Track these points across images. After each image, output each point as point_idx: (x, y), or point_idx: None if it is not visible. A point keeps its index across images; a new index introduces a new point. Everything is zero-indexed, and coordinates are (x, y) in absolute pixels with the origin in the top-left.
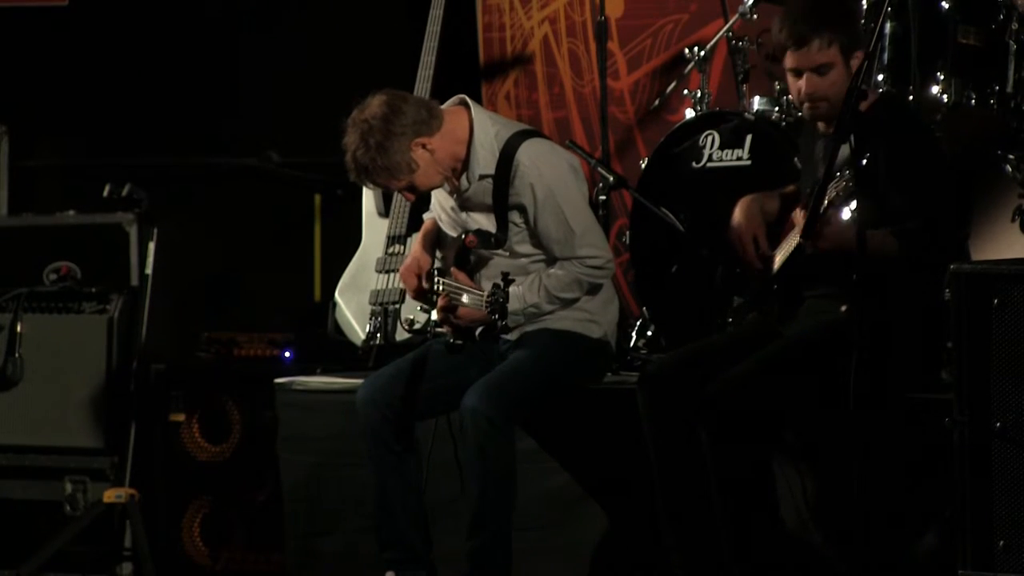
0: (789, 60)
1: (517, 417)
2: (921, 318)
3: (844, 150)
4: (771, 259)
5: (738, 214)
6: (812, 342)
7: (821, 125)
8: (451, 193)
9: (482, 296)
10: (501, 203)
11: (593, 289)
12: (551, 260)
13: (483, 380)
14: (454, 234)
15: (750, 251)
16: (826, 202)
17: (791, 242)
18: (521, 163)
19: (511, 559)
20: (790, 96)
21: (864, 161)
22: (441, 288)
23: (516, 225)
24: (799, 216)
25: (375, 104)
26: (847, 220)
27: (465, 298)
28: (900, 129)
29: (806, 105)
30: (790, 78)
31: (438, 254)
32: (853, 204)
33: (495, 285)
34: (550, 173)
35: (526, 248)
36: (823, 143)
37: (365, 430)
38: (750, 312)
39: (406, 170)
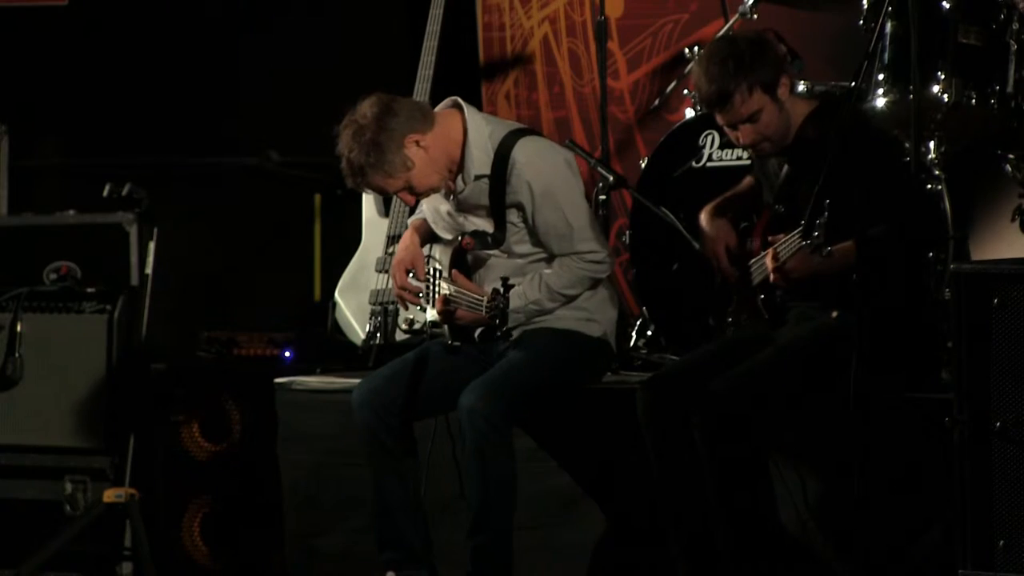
0: (719, 118)
1: (515, 417)
2: (921, 318)
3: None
4: (747, 267)
5: (706, 225)
6: (807, 346)
7: None
8: (447, 196)
9: (482, 301)
10: (498, 202)
11: (593, 285)
12: (550, 258)
13: (480, 379)
14: (451, 238)
15: (724, 260)
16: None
17: (766, 262)
18: (517, 161)
19: (512, 558)
20: None
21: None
22: (439, 291)
23: (514, 224)
24: (768, 249)
25: (366, 105)
26: (806, 252)
27: (469, 302)
28: (849, 136)
29: (750, 151)
30: (727, 130)
31: (436, 255)
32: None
33: (495, 291)
34: (546, 170)
35: (524, 248)
36: (775, 159)
37: (362, 431)
38: (743, 316)
39: (401, 168)
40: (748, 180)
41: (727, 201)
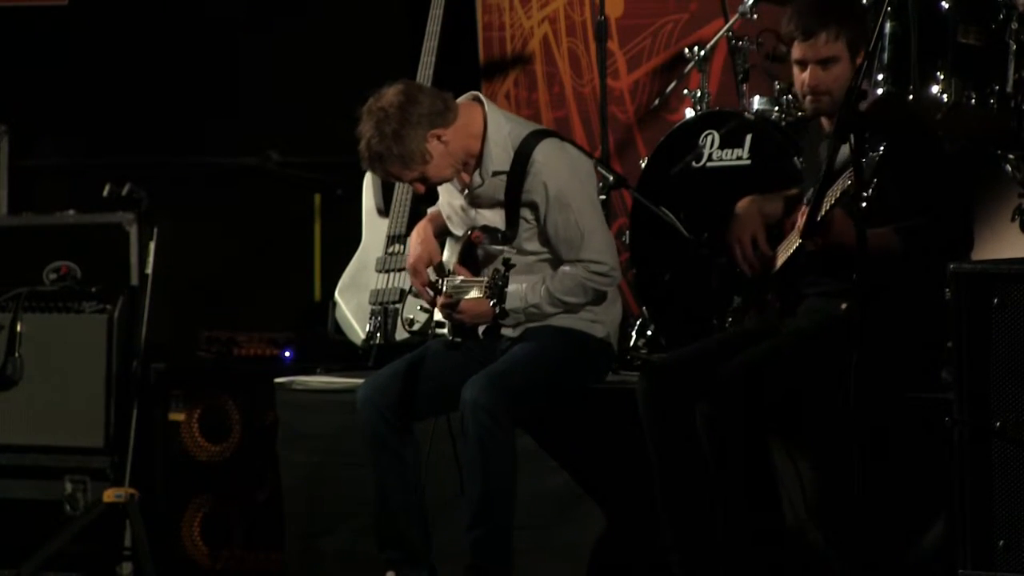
0: (796, 51)
1: (517, 410)
2: (921, 318)
3: (845, 150)
4: (771, 259)
5: (738, 215)
6: (812, 341)
7: (825, 123)
8: (461, 190)
9: (482, 283)
10: (514, 200)
11: (596, 298)
12: (557, 260)
13: (483, 372)
14: (461, 233)
15: (749, 252)
16: (832, 201)
17: (793, 241)
18: (536, 161)
19: (512, 552)
20: (790, 95)
21: (865, 160)
22: (444, 288)
23: (526, 222)
24: (802, 215)
25: (391, 93)
26: (849, 218)
27: (474, 291)
28: (901, 128)
29: (808, 98)
30: (795, 70)
31: (444, 252)
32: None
33: (495, 270)
34: (564, 173)
35: (533, 246)
36: (826, 144)
37: (365, 430)
38: (748, 312)
39: (420, 160)
40: (794, 191)
41: (767, 199)
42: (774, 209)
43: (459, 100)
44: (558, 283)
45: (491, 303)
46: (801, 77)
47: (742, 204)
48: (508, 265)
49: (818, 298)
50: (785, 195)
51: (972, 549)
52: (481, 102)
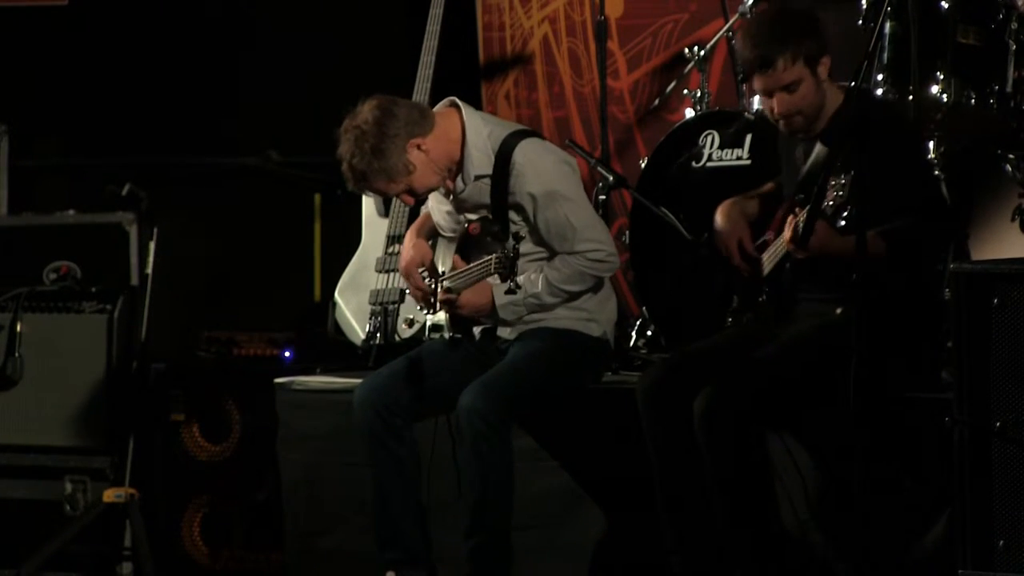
0: (757, 83)
1: (514, 417)
2: (921, 318)
3: (821, 152)
4: (759, 261)
5: (720, 220)
6: (810, 344)
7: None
8: (447, 195)
9: (490, 261)
10: (500, 203)
11: (597, 284)
12: (551, 257)
13: (480, 379)
14: (452, 236)
15: (736, 255)
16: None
17: (779, 245)
18: (517, 163)
19: (511, 558)
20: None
21: (846, 163)
22: (440, 288)
23: (515, 223)
24: (788, 220)
25: (366, 110)
26: (832, 226)
27: (479, 272)
28: (881, 129)
29: (782, 122)
30: (762, 98)
31: (437, 256)
32: (843, 213)
33: (503, 247)
34: (548, 172)
35: (525, 247)
36: (803, 146)
37: (363, 431)
38: (747, 313)
39: (403, 172)
40: (770, 185)
41: (746, 199)
42: (753, 207)
43: (436, 107)
44: (556, 272)
45: (498, 281)
46: (769, 104)
47: (723, 208)
48: (518, 238)
49: (814, 302)
50: (760, 192)
51: (972, 549)
52: (459, 107)
